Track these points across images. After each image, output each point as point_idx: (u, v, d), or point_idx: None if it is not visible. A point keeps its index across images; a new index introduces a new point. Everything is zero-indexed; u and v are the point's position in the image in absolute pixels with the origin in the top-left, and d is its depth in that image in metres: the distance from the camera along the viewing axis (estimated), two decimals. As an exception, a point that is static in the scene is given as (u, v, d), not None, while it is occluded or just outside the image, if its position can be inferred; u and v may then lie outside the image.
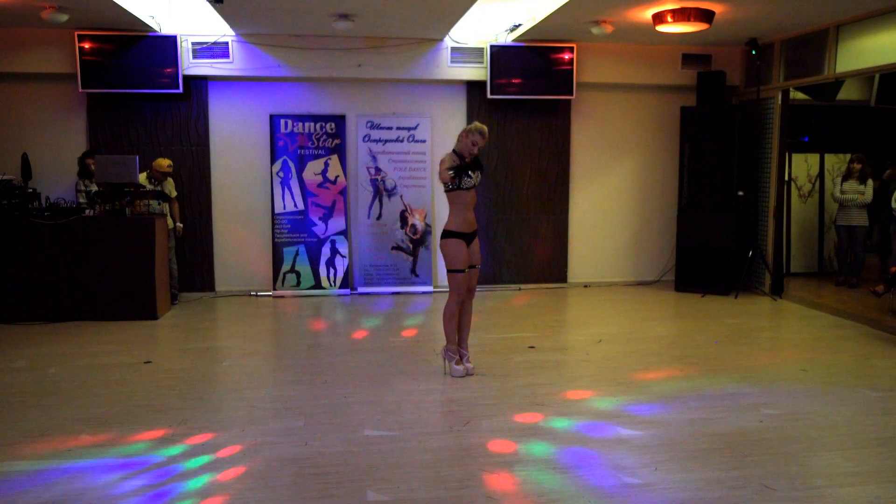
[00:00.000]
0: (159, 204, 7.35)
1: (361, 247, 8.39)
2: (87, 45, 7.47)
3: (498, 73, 8.11)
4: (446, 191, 4.92)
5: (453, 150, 4.91)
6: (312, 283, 8.28)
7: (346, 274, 8.33)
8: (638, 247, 8.99)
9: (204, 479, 3.45)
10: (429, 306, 7.77)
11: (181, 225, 7.73)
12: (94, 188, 7.16)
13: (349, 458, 3.68)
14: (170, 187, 7.61)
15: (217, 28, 7.60)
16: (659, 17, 6.75)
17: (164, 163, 7.45)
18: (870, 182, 8.33)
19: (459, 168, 4.83)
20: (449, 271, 4.96)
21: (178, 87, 7.66)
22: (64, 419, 4.24)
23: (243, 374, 5.27)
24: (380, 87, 8.36)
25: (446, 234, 4.95)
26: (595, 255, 8.91)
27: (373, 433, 4.01)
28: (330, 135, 8.22)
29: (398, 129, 8.32)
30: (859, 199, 8.27)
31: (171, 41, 7.59)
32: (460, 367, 5.04)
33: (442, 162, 4.89)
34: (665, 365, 5.44)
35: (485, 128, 4.89)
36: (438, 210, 8.53)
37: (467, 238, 4.95)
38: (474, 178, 4.89)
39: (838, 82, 9.25)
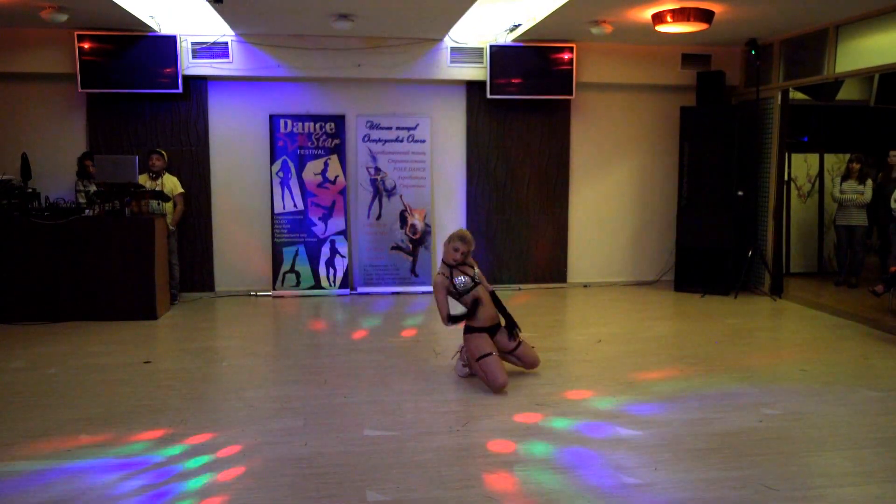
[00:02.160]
0: (159, 204, 7.34)
1: (361, 247, 8.39)
2: (86, 45, 7.47)
3: (498, 73, 8.11)
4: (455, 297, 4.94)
5: (443, 261, 4.95)
6: (312, 283, 8.28)
7: (346, 274, 8.33)
8: (638, 247, 8.99)
9: (204, 479, 3.45)
10: (428, 306, 7.77)
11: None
12: (93, 189, 7.16)
13: (349, 458, 3.68)
14: (170, 186, 7.58)
15: (217, 28, 7.60)
16: (659, 17, 6.75)
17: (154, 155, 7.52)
18: (869, 182, 8.33)
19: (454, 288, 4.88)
20: (477, 360, 4.81)
21: (177, 87, 7.66)
22: (64, 419, 4.24)
23: (243, 374, 5.27)
24: (379, 87, 8.36)
25: (467, 329, 4.92)
26: (595, 255, 8.91)
27: (373, 433, 4.01)
28: (329, 135, 8.22)
29: (398, 129, 8.32)
30: (858, 199, 8.27)
31: (170, 41, 7.59)
32: (466, 369, 5.04)
33: (434, 286, 4.92)
34: (665, 365, 5.44)
35: (464, 232, 4.93)
36: (438, 210, 8.54)
37: (489, 331, 4.91)
38: (466, 280, 4.87)
39: (838, 82, 9.26)
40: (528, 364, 5.07)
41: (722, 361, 5.51)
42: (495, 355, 4.78)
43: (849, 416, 4.33)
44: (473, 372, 4.92)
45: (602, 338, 6.25)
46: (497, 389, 4.68)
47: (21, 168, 7.15)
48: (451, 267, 4.90)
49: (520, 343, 5.04)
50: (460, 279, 4.87)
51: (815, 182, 9.53)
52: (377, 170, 8.34)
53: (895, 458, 3.73)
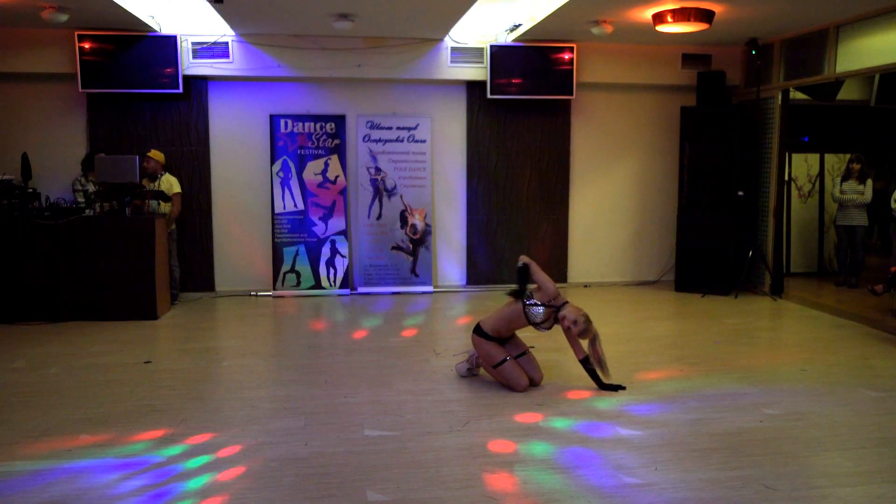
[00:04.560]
0: (159, 204, 7.34)
1: (361, 247, 8.39)
2: (87, 45, 7.47)
3: (498, 73, 8.11)
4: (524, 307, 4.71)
5: (549, 301, 4.71)
6: (312, 283, 8.28)
7: (346, 274, 8.33)
8: (638, 247, 8.99)
9: (204, 479, 3.45)
10: (429, 306, 7.77)
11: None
12: (92, 187, 7.15)
13: (349, 458, 3.68)
14: (166, 185, 7.54)
15: (217, 28, 7.60)
16: (659, 17, 6.75)
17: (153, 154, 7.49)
18: (869, 182, 8.33)
19: (521, 292, 4.71)
20: (494, 367, 4.78)
21: (178, 87, 7.66)
22: (64, 419, 4.24)
23: (243, 374, 5.26)
24: (380, 87, 8.36)
25: (478, 330, 4.84)
26: (595, 255, 8.91)
27: (373, 433, 4.01)
28: (330, 135, 8.22)
29: (398, 129, 8.32)
30: (859, 199, 8.27)
31: (171, 41, 7.59)
32: (469, 369, 5.03)
33: (515, 310, 4.73)
34: (665, 365, 5.44)
35: (591, 325, 4.76)
36: (438, 210, 8.54)
37: (499, 341, 4.84)
38: (540, 312, 4.67)
39: (838, 82, 9.26)
40: (530, 378, 4.87)
41: (722, 361, 5.50)
42: (511, 360, 4.76)
43: (849, 416, 4.32)
44: (495, 377, 4.87)
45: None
46: (521, 391, 4.68)
47: (21, 168, 7.16)
48: (546, 305, 4.69)
49: (526, 352, 4.91)
50: (539, 310, 4.68)
51: (815, 182, 9.53)
52: (377, 170, 8.34)
53: (895, 458, 3.73)
